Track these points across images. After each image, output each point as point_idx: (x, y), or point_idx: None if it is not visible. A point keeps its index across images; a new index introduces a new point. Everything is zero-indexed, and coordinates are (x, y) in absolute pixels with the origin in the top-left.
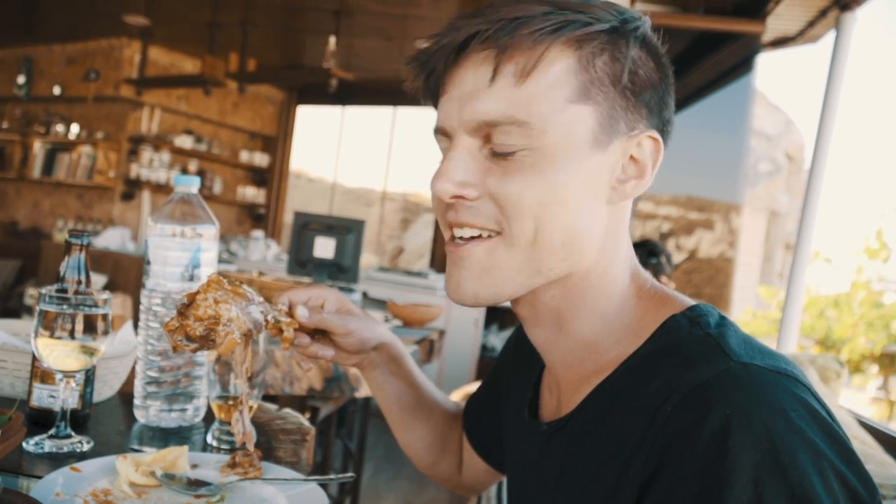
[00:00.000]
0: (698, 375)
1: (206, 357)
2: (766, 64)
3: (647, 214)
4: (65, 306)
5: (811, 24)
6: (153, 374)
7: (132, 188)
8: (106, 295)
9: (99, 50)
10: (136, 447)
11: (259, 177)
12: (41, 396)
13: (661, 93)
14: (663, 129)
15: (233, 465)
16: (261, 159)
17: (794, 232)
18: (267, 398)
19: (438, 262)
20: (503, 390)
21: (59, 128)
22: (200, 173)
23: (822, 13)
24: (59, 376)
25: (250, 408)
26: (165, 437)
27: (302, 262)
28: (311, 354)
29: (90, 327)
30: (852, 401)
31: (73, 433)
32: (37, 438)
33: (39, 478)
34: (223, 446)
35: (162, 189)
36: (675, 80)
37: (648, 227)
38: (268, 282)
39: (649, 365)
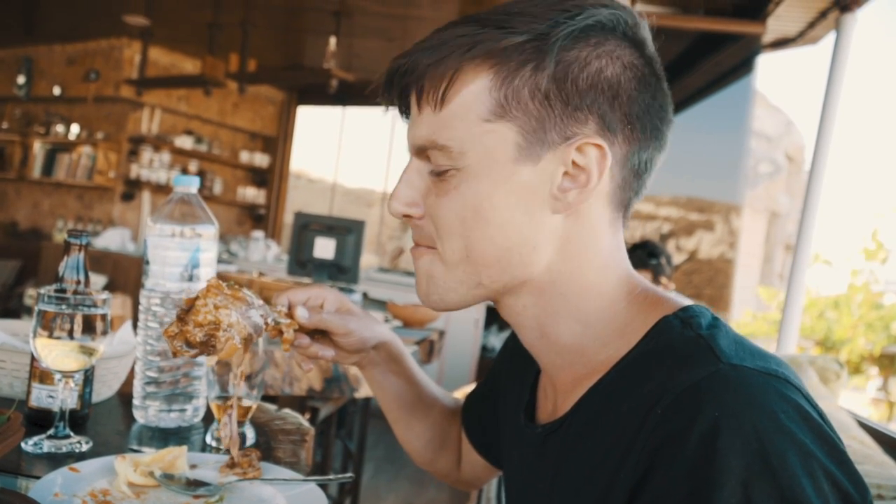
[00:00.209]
0: (688, 377)
1: (205, 360)
2: (767, 65)
3: (648, 215)
4: (63, 306)
5: (811, 25)
6: (152, 374)
7: (132, 189)
8: (105, 295)
9: (99, 50)
10: (134, 447)
11: (259, 177)
12: (40, 397)
13: (621, 91)
14: (633, 127)
15: (232, 466)
16: (261, 160)
17: (795, 233)
18: (267, 398)
19: None
20: (501, 390)
21: (59, 128)
22: (201, 174)
23: (823, 14)
24: (57, 376)
25: (250, 408)
26: (164, 437)
27: (302, 262)
28: (311, 355)
29: (89, 327)
30: (852, 402)
31: (71, 433)
32: (35, 439)
33: (38, 478)
34: (222, 447)
35: (162, 189)
36: (675, 79)
37: (648, 228)
38: (268, 282)
39: (640, 366)
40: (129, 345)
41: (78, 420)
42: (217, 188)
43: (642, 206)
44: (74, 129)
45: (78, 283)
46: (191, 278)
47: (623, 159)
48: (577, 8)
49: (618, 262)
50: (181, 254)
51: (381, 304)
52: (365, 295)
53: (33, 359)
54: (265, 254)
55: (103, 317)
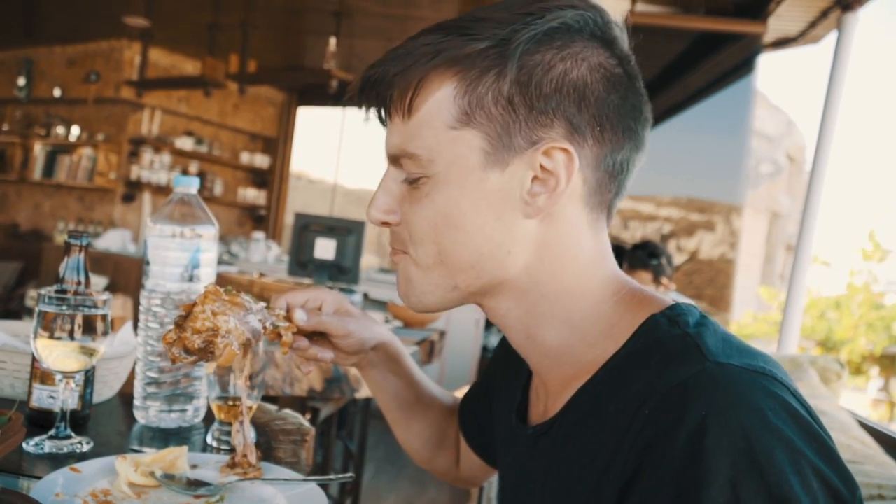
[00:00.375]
0: (675, 376)
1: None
2: (768, 65)
3: (648, 216)
4: (64, 307)
5: (812, 24)
6: (153, 374)
7: (133, 190)
8: (105, 296)
9: (99, 51)
10: (135, 448)
11: (260, 178)
12: (41, 397)
13: (588, 93)
14: (603, 128)
15: (232, 466)
16: (261, 161)
17: (795, 233)
18: (267, 399)
19: None
20: (495, 391)
21: (60, 130)
22: (201, 175)
23: (824, 14)
24: (58, 377)
25: (250, 409)
26: (165, 437)
27: (303, 263)
28: (310, 357)
29: (89, 328)
30: (853, 402)
31: (72, 434)
32: (36, 439)
33: (39, 478)
34: (223, 447)
35: (163, 191)
36: (675, 78)
37: (649, 229)
38: (268, 283)
39: (628, 366)
40: (129, 345)
41: (79, 420)
42: (217, 189)
43: (643, 206)
44: (75, 130)
45: (78, 283)
46: (191, 279)
47: (595, 161)
48: (541, 11)
49: (602, 263)
50: (181, 254)
51: (381, 305)
52: (365, 296)
53: (34, 359)
54: (266, 255)
55: (104, 317)
